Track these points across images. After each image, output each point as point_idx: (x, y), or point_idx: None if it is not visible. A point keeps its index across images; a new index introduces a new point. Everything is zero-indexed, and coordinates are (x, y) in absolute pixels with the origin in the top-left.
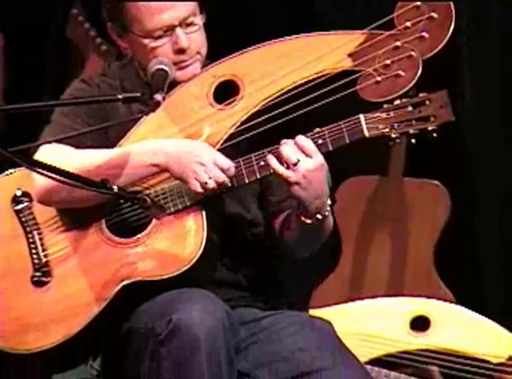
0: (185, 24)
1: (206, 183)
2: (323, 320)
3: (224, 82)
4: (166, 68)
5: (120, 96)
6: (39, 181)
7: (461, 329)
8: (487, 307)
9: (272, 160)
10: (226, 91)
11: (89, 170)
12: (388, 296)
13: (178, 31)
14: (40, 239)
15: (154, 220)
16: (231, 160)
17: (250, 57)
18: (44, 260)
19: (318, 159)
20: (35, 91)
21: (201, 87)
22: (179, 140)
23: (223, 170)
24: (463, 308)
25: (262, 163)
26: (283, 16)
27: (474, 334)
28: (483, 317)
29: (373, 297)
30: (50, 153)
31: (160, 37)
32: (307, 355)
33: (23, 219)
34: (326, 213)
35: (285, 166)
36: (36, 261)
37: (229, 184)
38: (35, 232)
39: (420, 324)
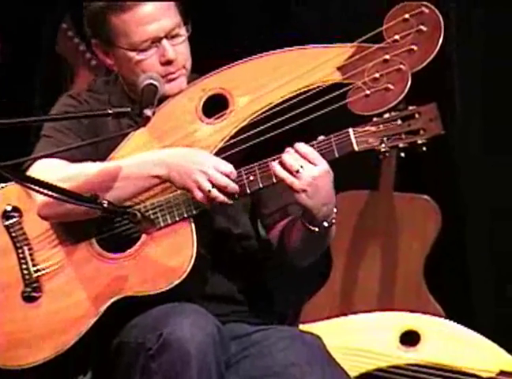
0: (170, 35)
1: (209, 191)
2: (313, 335)
3: (214, 96)
4: (156, 83)
5: (110, 111)
6: (39, 197)
7: (450, 344)
8: (477, 321)
9: (276, 167)
10: (215, 105)
11: (88, 183)
12: (378, 310)
13: (165, 42)
14: (31, 254)
15: (144, 235)
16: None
17: (239, 70)
18: (35, 275)
19: (323, 165)
20: (25, 100)
21: (190, 101)
22: (179, 150)
23: (225, 176)
24: (453, 322)
25: (265, 173)
26: (259, 17)
27: (464, 348)
28: (474, 331)
29: (363, 311)
30: (46, 168)
31: (146, 49)
32: (298, 370)
33: (13, 235)
34: (333, 221)
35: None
36: (27, 277)
37: (233, 190)
38: (25, 247)
39: (410, 338)
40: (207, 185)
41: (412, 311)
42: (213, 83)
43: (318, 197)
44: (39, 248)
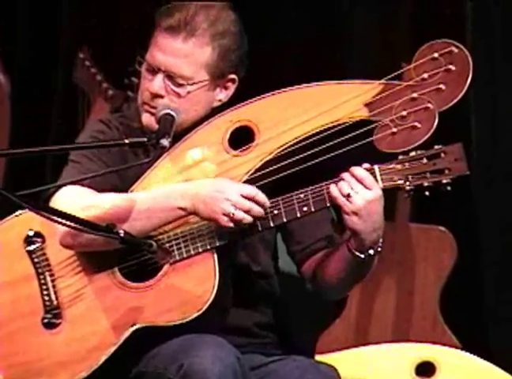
0: (168, 75)
1: (233, 214)
2: (328, 365)
3: (240, 128)
4: (172, 113)
5: (126, 141)
6: (60, 226)
7: (466, 375)
8: (493, 353)
9: (331, 188)
10: (242, 137)
11: (112, 213)
12: (394, 341)
13: (158, 76)
14: (52, 281)
15: (166, 265)
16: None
17: (266, 103)
18: (55, 302)
19: (377, 190)
20: (40, 137)
21: (217, 131)
22: (202, 181)
23: (250, 200)
24: (469, 353)
25: (289, 206)
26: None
27: None
28: (489, 362)
29: (379, 342)
30: (70, 195)
31: (149, 71)
32: None
33: (35, 260)
34: (379, 249)
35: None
36: (48, 303)
37: (258, 213)
38: (47, 273)
39: (426, 369)
40: (230, 208)
41: (427, 342)
42: (241, 115)
43: (368, 222)
44: (61, 274)
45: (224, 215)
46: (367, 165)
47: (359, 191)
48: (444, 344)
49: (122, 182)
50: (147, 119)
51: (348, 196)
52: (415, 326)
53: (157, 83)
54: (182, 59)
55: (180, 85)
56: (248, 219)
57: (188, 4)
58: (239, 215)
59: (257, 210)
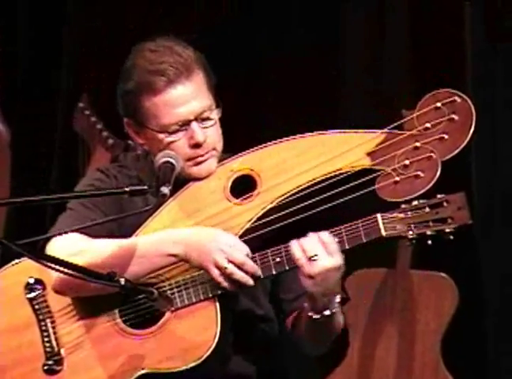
0: (200, 118)
1: (226, 268)
2: None
3: (242, 176)
4: (172, 161)
5: (127, 189)
6: (55, 272)
7: None
8: None
9: (294, 246)
10: (244, 185)
11: (106, 259)
12: None
13: (194, 125)
14: (53, 327)
15: (168, 312)
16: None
17: (268, 152)
18: (57, 348)
19: (337, 260)
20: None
21: (218, 180)
22: (197, 229)
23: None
24: None
25: (278, 259)
26: None
27: None
28: None
29: None
30: (65, 242)
31: (175, 132)
32: None
33: (36, 307)
34: (334, 310)
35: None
36: (49, 349)
37: (251, 269)
38: (48, 320)
39: None
40: (223, 262)
41: None
42: (242, 164)
43: (321, 287)
44: (62, 321)
45: (216, 267)
46: (332, 229)
47: (321, 257)
48: None
49: (120, 228)
50: (202, 170)
51: (310, 258)
52: (417, 373)
53: (198, 131)
54: (199, 95)
55: (211, 119)
56: (239, 274)
57: (161, 53)
58: (231, 269)
59: (250, 266)
